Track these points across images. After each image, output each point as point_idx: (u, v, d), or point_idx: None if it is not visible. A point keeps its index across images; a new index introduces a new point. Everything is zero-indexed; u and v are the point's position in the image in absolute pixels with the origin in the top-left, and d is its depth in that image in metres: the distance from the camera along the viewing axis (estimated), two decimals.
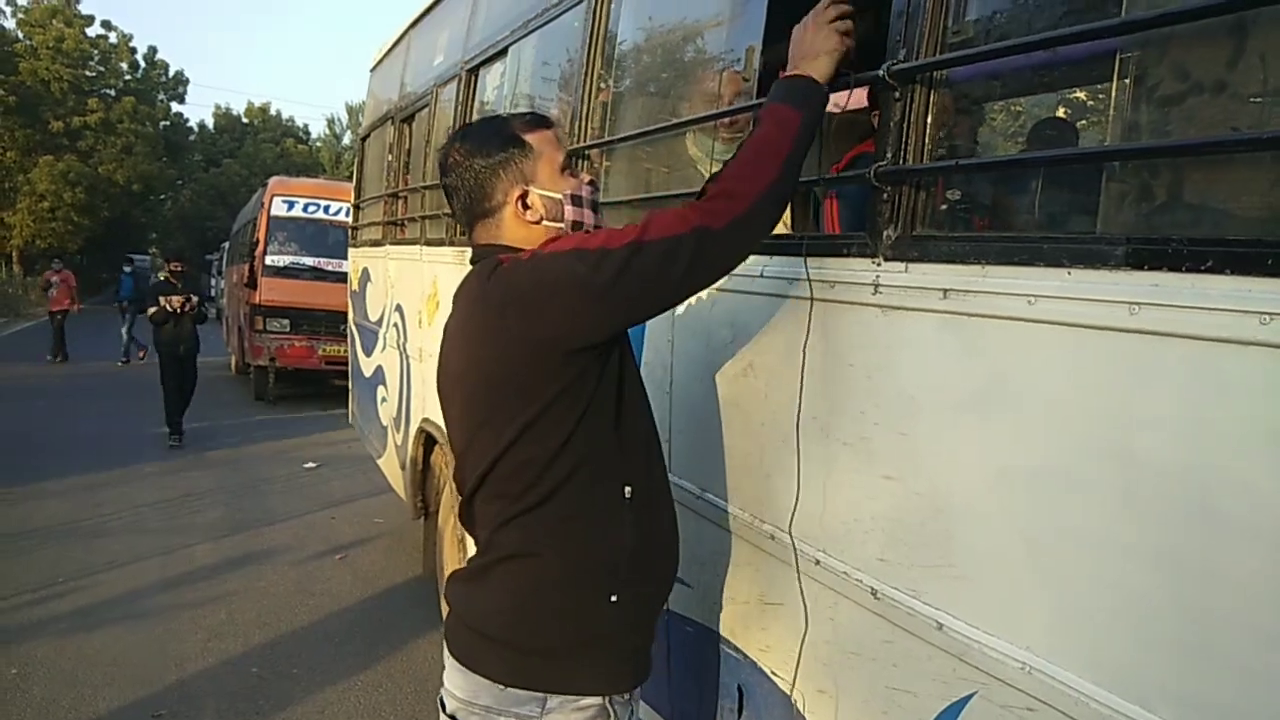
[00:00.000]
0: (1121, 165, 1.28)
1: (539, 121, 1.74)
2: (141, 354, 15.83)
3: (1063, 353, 1.26)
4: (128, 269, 18.03)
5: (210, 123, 50.53)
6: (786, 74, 1.62)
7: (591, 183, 1.77)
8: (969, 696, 1.40)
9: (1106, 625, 1.20)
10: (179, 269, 9.65)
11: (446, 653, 1.73)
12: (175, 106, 40.44)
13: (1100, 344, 1.20)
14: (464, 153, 1.71)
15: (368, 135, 6.90)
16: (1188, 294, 1.10)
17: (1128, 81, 1.25)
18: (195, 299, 9.55)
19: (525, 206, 1.68)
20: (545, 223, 1.69)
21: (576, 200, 1.71)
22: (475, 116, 4.20)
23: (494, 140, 1.70)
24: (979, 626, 1.38)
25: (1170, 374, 1.12)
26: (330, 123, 57.08)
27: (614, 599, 1.62)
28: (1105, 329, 1.19)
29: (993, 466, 1.37)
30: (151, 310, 9.34)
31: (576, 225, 1.70)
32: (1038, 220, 1.52)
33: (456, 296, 1.75)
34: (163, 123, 39.03)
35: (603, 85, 2.84)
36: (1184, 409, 1.11)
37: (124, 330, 16.67)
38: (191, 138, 45.99)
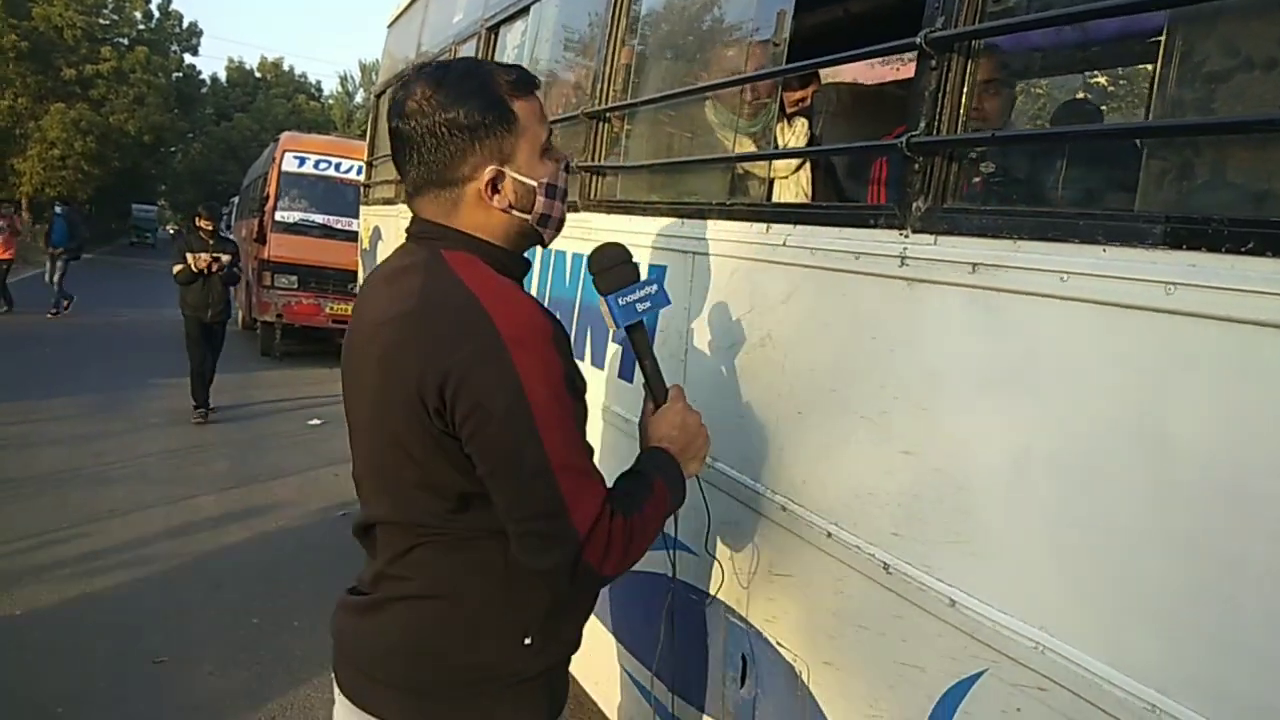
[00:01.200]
0: (1162, 142, 1.25)
1: (528, 85, 1.46)
2: (67, 304, 15.09)
3: (1095, 332, 1.24)
4: (59, 210, 16.79)
5: (223, 76, 50.33)
6: (669, 452, 1.60)
7: (567, 165, 1.54)
8: (979, 674, 1.39)
9: (1126, 609, 1.19)
10: (209, 226, 8.45)
11: (336, 689, 1.56)
12: (188, 58, 40.19)
13: (1134, 324, 1.18)
14: (434, 103, 1.39)
15: (383, 92, 6.85)
16: (1227, 275, 1.08)
17: (1172, 56, 1.22)
18: (225, 258, 8.36)
19: (495, 190, 1.42)
20: (514, 212, 1.45)
21: (551, 190, 1.47)
22: None
23: (475, 100, 1.39)
24: (993, 604, 1.37)
25: (1206, 357, 1.10)
26: (343, 80, 56.70)
27: (528, 642, 1.48)
28: (1140, 309, 1.17)
29: (1017, 446, 1.35)
30: (177, 268, 8.24)
31: (544, 219, 1.48)
32: (1073, 196, 1.49)
33: (375, 276, 1.53)
34: (175, 74, 38.76)
35: (626, 47, 2.80)
36: (1219, 393, 1.09)
37: (54, 279, 15.33)
38: (204, 90, 45.69)
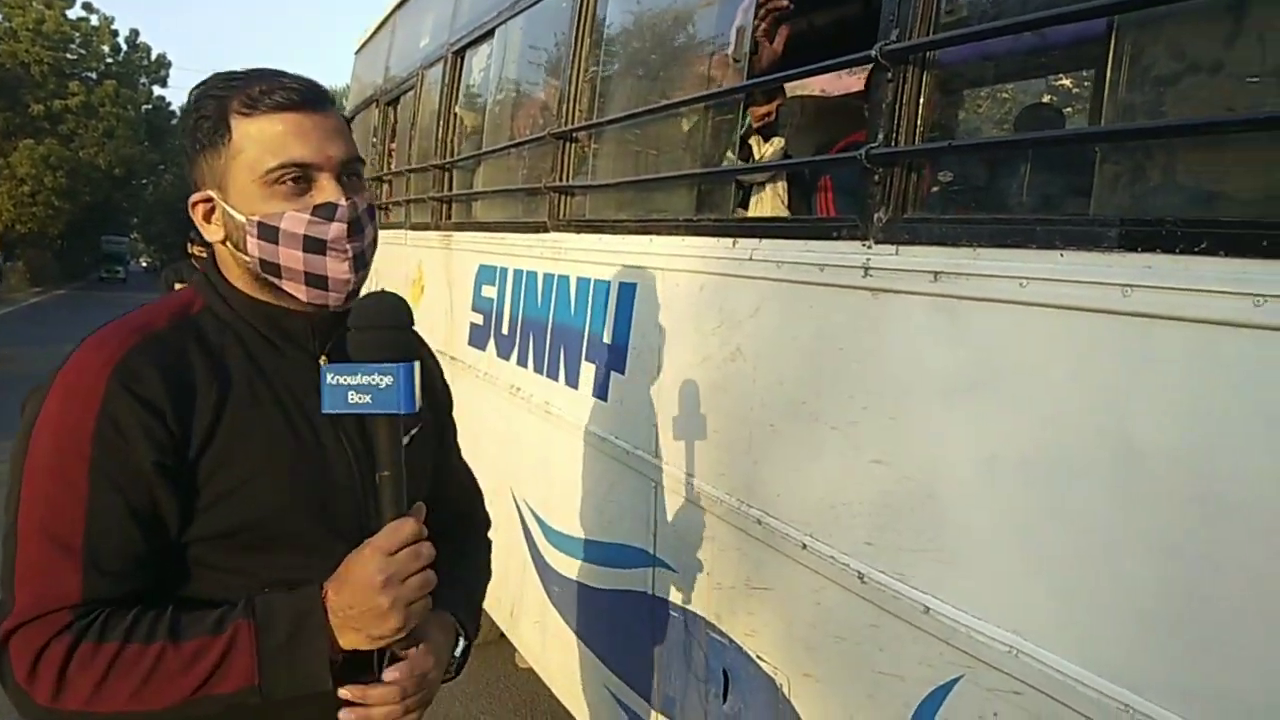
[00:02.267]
0: (1115, 147, 1.27)
1: (285, 103, 1.16)
2: None
3: (1055, 336, 1.25)
4: None
5: None
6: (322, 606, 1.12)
7: (331, 206, 1.17)
8: (956, 679, 1.39)
9: (1098, 610, 1.19)
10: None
11: None
12: (157, 90, 40.07)
13: (1093, 327, 1.19)
14: (192, 100, 1.22)
15: (352, 118, 6.84)
16: (1181, 276, 1.09)
17: (1122, 62, 1.24)
18: None
19: (207, 218, 1.22)
20: (231, 248, 1.21)
21: (268, 233, 1.16)
22: (461, 99, 4.17)
23: (202, 105, 1.19)
24: (966, 610, 1.37)
25: (1164, 357, 1.12)
26: None
27: None
28: (1098, 311, 1.18)
29: (984, 451, 1.36)
30: None
31: (269, 267, 1.18)
32: (1030, 202, 1.51)
33: None
34: (145, 106, 38.64)
35: (591, 67, 2.81)
36: (1178, 392, 1.10)
37: None
38: (174, 121, 45.34)
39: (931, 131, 1.52)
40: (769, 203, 2.74)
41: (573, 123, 2.83)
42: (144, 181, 43.78)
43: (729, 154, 2.31)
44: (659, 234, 2.29)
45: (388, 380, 1.10)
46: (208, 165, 1.19)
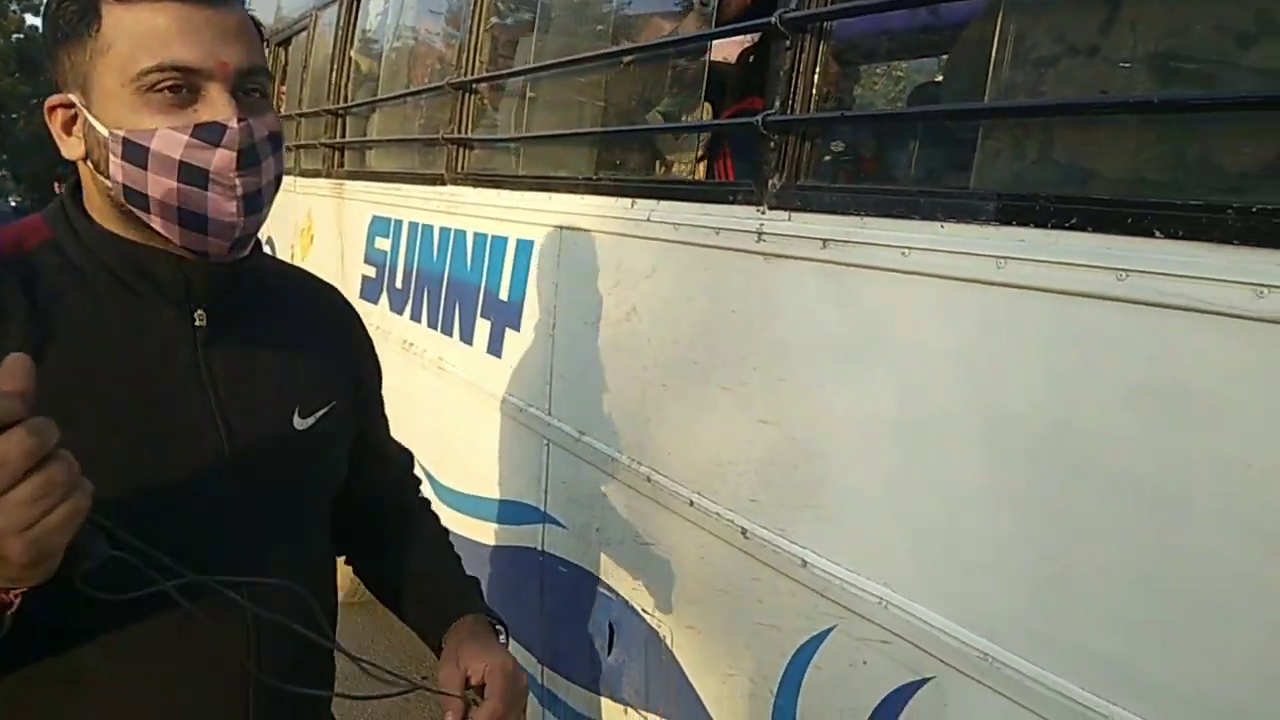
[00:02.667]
0: (996, 124, 1.32)
1: None
2: None
3: (934, 304, 1.30)
4: None
5: None
6: None
7: (218, 128, 0.93)
8: (829, 629, 1.45)
9: (962, 566, 1.26)
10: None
11: None
12: (29, 19, 37.54)
13: (969, 296, 1.25)
14: None
15: None
16: (1051, 249, 1.15)
17: (1006, 43, 1.29)
18: None
19: (66, 129, 0.97)
20: (91, 169, 0.97)
21: (135, 154, 0.92)
22: (357, 44, 4.05)
23: None
24: (841, 563, 1.43)
25: (1034, 327, 1.18)
26: None
27: None
28: (974, 281, 1.24)
29: (863, 413, 1.41)
30: None
31: (134, 196, 0.94)
32: (915, 175, 1.56)
33: None
34: (15, 35, 36.20)
35: (492, 17, 2.77)
36: (1046, 361, 1.17)
37: None
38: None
39: (826, 102, 1.56)
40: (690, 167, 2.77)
41: (473, 73, 2.79)
42: (14, 116, 41.11)
43: (656, 114, 2.30)
44: (558, 191, 2.28)
45: None
46: (70, 61, 0.94)
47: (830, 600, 1.45)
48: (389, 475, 1.41)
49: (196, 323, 1.02)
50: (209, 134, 0.93)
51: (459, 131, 2.84)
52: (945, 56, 2.01)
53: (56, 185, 6.33)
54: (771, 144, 1.60)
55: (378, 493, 1.36)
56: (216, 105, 0.93)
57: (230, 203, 0.96)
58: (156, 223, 0.96)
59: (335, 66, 4.08)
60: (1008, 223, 1.20)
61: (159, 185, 0.93)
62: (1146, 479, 1.06)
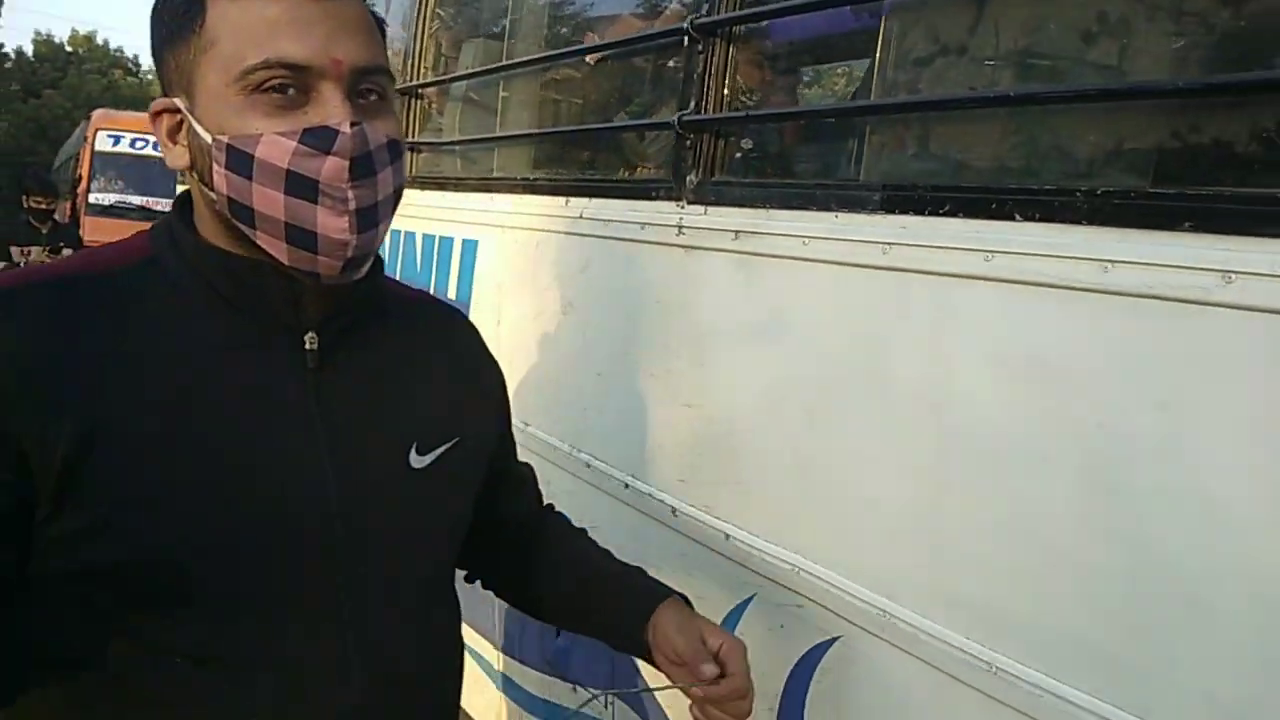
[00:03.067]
0: (880, 120, 1.42)
1: None
2: None
3: (830, 288, 1.40)
4: None
5: (30, 50, 46.61)
6: None
7: (329, 133, 0.82)
8: (750, 598, 1.55)
9: (861, 530, 1.36)
10: (44, 205, 6.11)
11: None
12: None
13: (860, 280, 1.35)
14: None
15: None
16: (929, 235, 1.25)
17: (890, 46, 1.39)
18: (70, 252, 5.67)
19: (172, 137, 0.89)
20: (196, 180, 0.88)
21: (239, 162, 0.82)
22: None
23: None
24: (759, 536, 1.53)
25: (915, 306, 1.28)
26: None
27: None
28: (864, 266, 1.34)
29: (774, 393, 1.51)
30: None
31: (240, 210, 0.84)
32: (814, 169, 1.66)
33: None
34: None
35: (434, 23, 2.85)
36: (927, 338, 1.27)
37: None
38: (8, 64, 42.27)
39: (735, 103, 1.65)
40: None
41: (418, 79, 2.86)
42: None
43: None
44: (499, 192, 2.37)
45: None
46: (175, 62, 0.85)
47: (751, 570, 1.54)
48: (524, 496, 1.30)
49: (307, 346, 0.91)
50: (319, 139, 0.82)
51: (408, 135, 2.91)
52: (848, 60, 2.13)
53: (24, 198, 6.07)
54: (688, 142, 1.69)
55: (515, 519, 1.26)
56: (329, 107, 0.83)
57: (341, 218, 0.84)
58: (262, 239, 0.86)
59: None
60: (891, 211, 1.30)
61: (264, 197, 0.83)
62: (1016, 442, 1.16)
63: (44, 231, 5.99)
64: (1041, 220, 1.12)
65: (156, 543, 0.80)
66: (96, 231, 11.70)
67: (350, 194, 0.83)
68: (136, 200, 12.04)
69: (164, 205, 11.64)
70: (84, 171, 12.09)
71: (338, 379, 0.93)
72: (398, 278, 2.89)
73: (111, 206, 11.95)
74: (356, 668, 0.92)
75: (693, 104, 1.68)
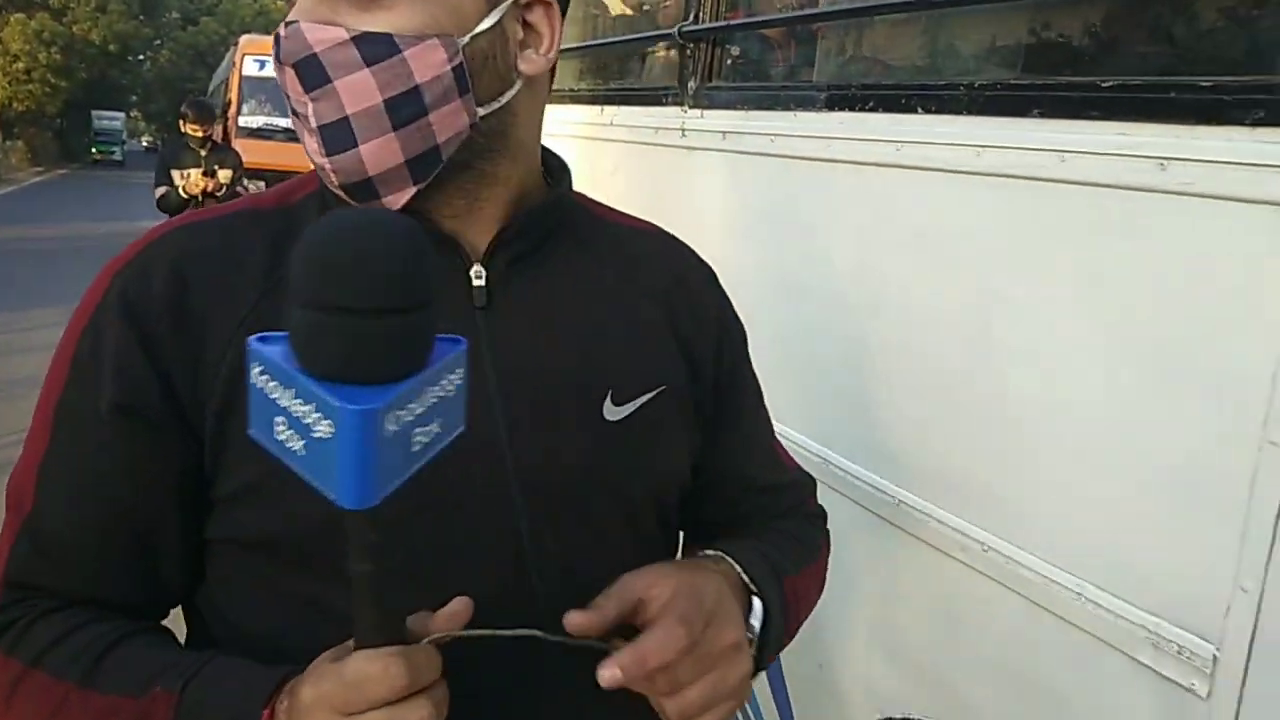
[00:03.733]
0: (827, 27, 1.58)
1: None
2: None
3: (786, 179, 1.59)
4: None
5: None
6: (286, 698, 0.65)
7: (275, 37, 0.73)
8: None
9: (804, 387, 1.57)
10: (201, 131, 6.01)
11: None
12: None
13: (811, 171, 1.53)
14: None
15: None
16: (858, 129, 1.42)
17: None
18: (225, 174, 5.97)
19: (525, 36, 0.78)
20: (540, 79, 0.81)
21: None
22: None
23: None
24: None
25: (847, 193, 1.46)
26: None
27: None
28: (812, 159, 1.52)
29: (741, 268, 1.70)
30: (159, 192, 5.81)
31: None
32: (783, 73, 1.82)
33: None
34: None
35: None
36: (854, 220, 1.45)
37: None
38: None
39: (727, 12, 1.82)
40: None
41: None
42: (140, 58, 43.21)
43: None
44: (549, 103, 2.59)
45: (324, 428, 0.52)
46: None
47: None
48: (761, 506, 0.97)
49: (474, 281, 0.77)
50: (276, 46, 0.71)
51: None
52: None
53: (181, 123, 6.20)
54: (688, 51, 1.88)
55: (742, 506, 0.96)
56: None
57: (311, 138, 0.72)
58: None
59: None
60: (833, 109, 1.47)
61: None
62: (923, 308, 1.34)
63: (202, 154, 6.04)
64: (935, 112, 1.28)
65: (311, 511, 0.61)
66: (247, 153, 12.47)
67: (310, 108, 0.71)
68: (282, 123, 12.75)
69: None
70: (233, 96, 12.85)
71: (513, 319, 0.79)
72: None
73: (259, 129, 12.69)
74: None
75: (692, 15, 1.86)
